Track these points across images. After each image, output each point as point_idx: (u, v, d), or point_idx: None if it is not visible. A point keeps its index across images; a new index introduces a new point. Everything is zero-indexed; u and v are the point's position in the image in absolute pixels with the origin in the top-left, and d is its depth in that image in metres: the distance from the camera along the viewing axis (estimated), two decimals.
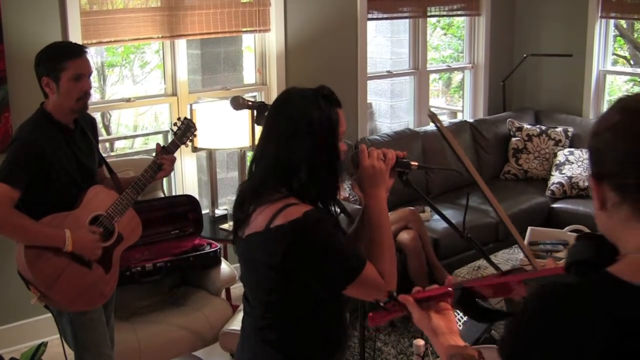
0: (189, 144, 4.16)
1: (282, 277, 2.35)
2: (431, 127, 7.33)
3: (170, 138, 4.16)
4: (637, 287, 1.42)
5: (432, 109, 8.90)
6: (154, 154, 4.04)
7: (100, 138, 4.26)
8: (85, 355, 3.82)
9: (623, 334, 1.37)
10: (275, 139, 2.41)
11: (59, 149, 3.64)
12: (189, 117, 5.48)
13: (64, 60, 3.58)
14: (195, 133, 4.17)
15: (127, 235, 3.90)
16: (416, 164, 2.66)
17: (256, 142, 5.30)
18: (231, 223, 5.35)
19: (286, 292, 2.39)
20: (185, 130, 4.08)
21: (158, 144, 4.04)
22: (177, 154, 5.45)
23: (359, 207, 2.60)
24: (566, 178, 6.83)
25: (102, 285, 3.77)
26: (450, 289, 1.96)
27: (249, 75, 7.48)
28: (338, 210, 2.57)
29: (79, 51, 3.66)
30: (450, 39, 11.56)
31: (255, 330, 2.49)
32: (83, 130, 3.83)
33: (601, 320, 1.39)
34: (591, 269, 1.51)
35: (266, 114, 2.55)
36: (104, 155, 4.15)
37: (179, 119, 4.15)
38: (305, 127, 2.38)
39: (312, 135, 2.38)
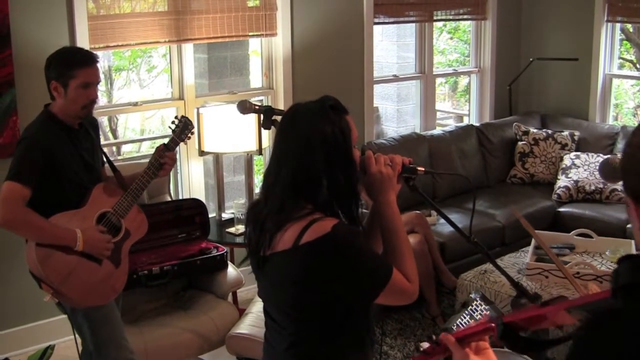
0: (187, 141, 4.26)
1: (314, 292, 2.35)
2: (437, 131, 7.34)
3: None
4: None
5: (438, 112, 8.89)
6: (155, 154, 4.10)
7: (107, 141, 4.33)
8: (105, 348, 3.86)
9: None
10: (290, 159, 2.39)
11: (65, 149, 3.72)
12: (195, 121, 5.50)
13: (74, 68, 3.65)
14: (192, 130, 4.22)
15: (134, 231, 3.99)
16: (423, 169, 2.66)
17: (262, 146, 5.35)
18: (238, 227, 5.40)
19: (318, 306, 2.38)
20: (183, 128, 4.14)
21: (162, 144, 4.09)
22: (184, 158, 5.48)
23: (366, 211, 2.62)
24: (572, 182, 6.82)
25: (113, 280, 3.85)
26: (493, 324, 1.94)
27: (256, 79, 7.50)
28: (362, 213, 2.58)
29: (89, 60, 3.72)
30: (456, 43, 11.58)
31: (286, 347, 2.47)
32: (87, 131, 3.91)
33: None
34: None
35: (275, 134, 2.53)
36: (111, 158, 4.20)
37: (176, 117, 4.20)
38: (319, 142, 2.37)
39: (328, 149, 2.37)
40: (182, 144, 4.23)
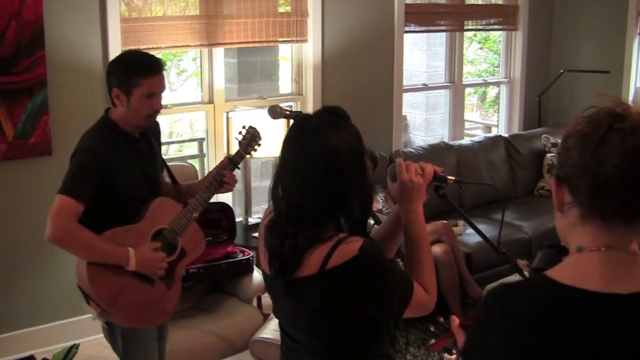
0: (253, 153, 3.96)
1: (342, 315, 2.30)
2: (466, 141, 7.32)
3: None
4: (562, 285, 1.51)
5: (466, 122, 8.87)
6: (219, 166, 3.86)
7: None
8: None
9: (529, 332, 1.49)
10: (318, 178, 2.28)
11: (124, 159, 3.49)
12: (224, 125, 5.52)
13: (138, 77, 3.41)
14: (260, 142, 3.92)
15: (191, 250, 3.72)
16: (453, 178, 2.64)
17: None
18: None
19: (346, 327, 2.34)
20: (250, 140, 3.86)
21: (226, 157, 3.85)
22: (212, 162, 5.43)
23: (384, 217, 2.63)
24: None
25: (164, 301, 3.62)
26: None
27: (285, 85, 7.51)
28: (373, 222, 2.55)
29: (155, 68, 3.48)
30: (486, 53, 11.55)
31: None
32: (148, 139, 3.67)
33: (509, 318, 1.52)
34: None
35: (285, 150, 2.38)
36: None
37: (243, 127, 3.93)
38: (346, 155, 2.29)
39: (355, 159, 2.31)
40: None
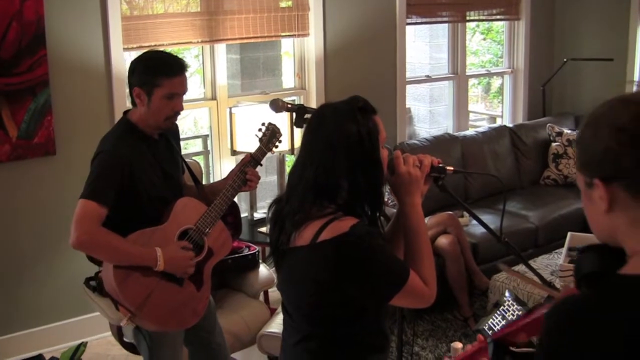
0: (274, 150, 3.93)
1: (327, 291, 2.33)
2: (470, 132, 7.30)
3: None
4: None
5: (470, 113, 8.86)
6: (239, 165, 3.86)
7: None
8: None
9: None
10: (315, 159, 2.38)
11: (145, 161, 3.47)
12: (227, 121, 5.51)
13: (160, 76, 3.39)
14: (280, 139, 3.91)
15: (218, 250, 3.70)
16: (452, 168, 2.65)
17: (295, 146, 5.35)
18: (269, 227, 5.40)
19: (330, 304, 2.37)
20: (270, 137, 3.85)
21: (248, 154, 3.85)
22: (216, 158, 5.41)
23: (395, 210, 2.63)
24: None
25: (195, 303, 3.59)
26: (485, 342, 1.95)
27: (288, 79, 7.51)
28: (382, 218, 2.57)
29: (177, 68, 3.45)
30: (489, 44, 11.53)
31: (296, 341, 2.48)
32: (167, 140, 3.68)
33: (616, 325, 1.41)
34: (601, 278, 1.53)
35: (302, 133, 2.51)
36: None
37: (263, 124, 3.89)
38: (344, 143, 2.35)
39: (353, 150, 2.36)
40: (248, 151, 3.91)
